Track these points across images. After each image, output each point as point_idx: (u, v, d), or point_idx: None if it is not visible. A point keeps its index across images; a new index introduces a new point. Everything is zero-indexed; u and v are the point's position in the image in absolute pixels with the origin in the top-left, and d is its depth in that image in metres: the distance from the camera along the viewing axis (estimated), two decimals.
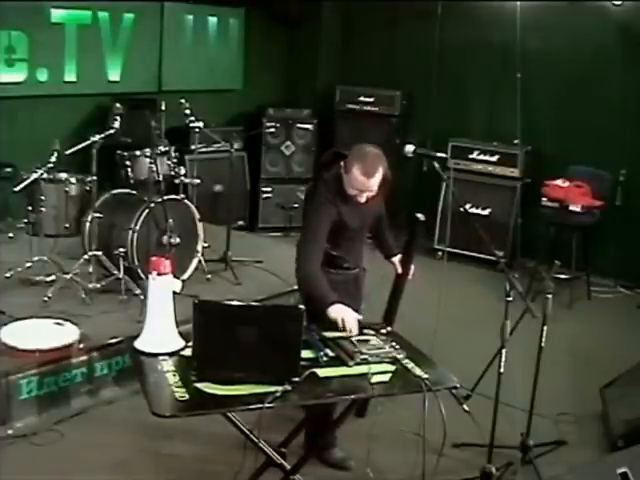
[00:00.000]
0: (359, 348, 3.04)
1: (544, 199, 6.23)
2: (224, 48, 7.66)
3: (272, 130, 7.55)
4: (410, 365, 3.02)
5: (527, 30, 6.75)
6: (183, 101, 5.53)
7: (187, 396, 2.68)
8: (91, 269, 4.76)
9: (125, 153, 5.33)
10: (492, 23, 7.11)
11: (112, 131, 4.81)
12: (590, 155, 6.50)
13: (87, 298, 4.64)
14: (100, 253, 4.82)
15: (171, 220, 4.85)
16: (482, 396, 4.07)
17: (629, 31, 6.50)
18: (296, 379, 2.76)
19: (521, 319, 3.67)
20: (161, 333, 3.02)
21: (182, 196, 5.21)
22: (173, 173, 5.26)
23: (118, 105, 4.93)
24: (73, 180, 5.00)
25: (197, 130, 5.60)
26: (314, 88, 8.26)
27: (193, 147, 5.87)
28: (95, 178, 4.84)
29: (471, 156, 7.11)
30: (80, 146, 4.77)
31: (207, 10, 7.44)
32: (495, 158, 7.02)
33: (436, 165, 3.78)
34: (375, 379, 2.90)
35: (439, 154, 3.85)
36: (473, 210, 6.96)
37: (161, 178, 4.96)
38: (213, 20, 7.52)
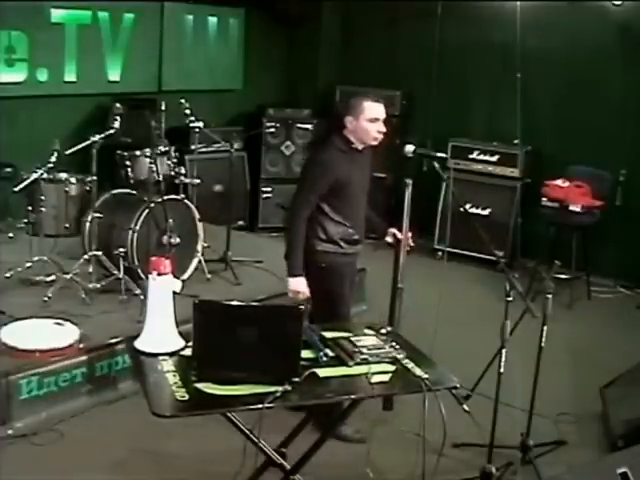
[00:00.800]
0: (359, 348, 3.04)
1: (544, 199, 6.23)
2: (224, 48, 7.66)
3: (272, 130, 7.56)
4: (410, 365, 3.02)
5: (527, 30, 6.75)
6: (183, 101, 5.52)
7: (187, 396, 2.68)
8: (91, 269, 4.76)
9: (125, 153, 5.33)
10: (492, 23, 7.11)
11: (112, 131, 4.81)
12: (590, 155, 6.50)
13: (87, 298, 4.64)
14: (100, 253, 4.82)
15: (171, 220, 4.86)
16: (482, 396, 4.07)
17: (629, 31, 6.50)
18: (296, 379, 2.76)
19: (521, 319, 3.67)
20: (161, 333, 3.02)
21: (182, 196, 5.21)
22: (173, 173, 5.26)
23: (118, 105, 4.93)
24: (73, 180, 5.00)
25: (197, 130, 5.60)
26: (314, 88, 8.26)
27: (193, 147, 5.87)
28: (95, 178, 4.84)
29: (471, 156, 7.11)
30: (80, 146, 4.77)
31: (207, 10, 7.45)
32: (495, 158, 7.03)
33: (436, 165, 3.79)
34: (375, 379, 2.89)
35: (439, 154, 3.86)
36: (473, 210, 6.96)
37: (161, 178, 4.97)
38: (213, 20, 7.52)
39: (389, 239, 4.06)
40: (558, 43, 6.77)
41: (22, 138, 5.97)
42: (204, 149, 6.11)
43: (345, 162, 3.73)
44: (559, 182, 6.24)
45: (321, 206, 3.77)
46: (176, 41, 7.19)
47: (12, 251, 5.11)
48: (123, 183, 5.29)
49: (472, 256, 6.75)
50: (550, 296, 3.64)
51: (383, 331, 3.28)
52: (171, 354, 2.97)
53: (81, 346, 4.12)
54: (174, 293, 3.11)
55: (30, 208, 4.87)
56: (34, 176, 4.65)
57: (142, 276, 4.71)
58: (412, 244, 4.01)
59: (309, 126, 7.74)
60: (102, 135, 4.76)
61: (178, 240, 4.92)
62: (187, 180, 5.44)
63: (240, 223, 7.34)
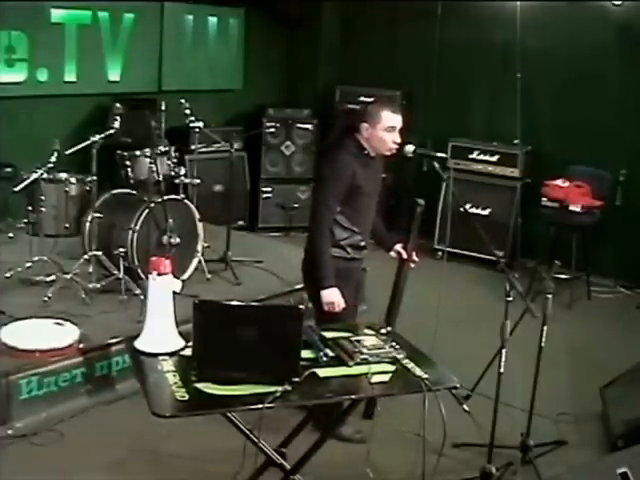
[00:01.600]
0: (359, 348, 3.04)
1: (544, 199, 6.23)
2: (224, 48, 7.67)
3: (272, 130, 7.55)
4: (410, 365, 3.02)
5: (527, 30, 6.74)
6: (183, 101, 5.52)
7: (187, 396, 2.68)
8: (91, 269, 4.76)
9: (125, 153, 5.33)
10: (492, 23, 7.11)
11: (112, 131, 4.81)
12: (590, 155, 6.50)
13: (87, 298, 4.64)
14: (100, 253, 4.82)
15: (171, 220, 4.86)
16: (482, 396, 4.07)
17: (629, 31, 6.50)
18: (296, 379, 2.76)
19: (521, 319, 3.67)
20: (161, 333, 3.02)
21: (182, 196, 5.21)
22: (173, 173, 5.26)
23: (118, 105, 4.94)
24: (73, 180, 5.00)
25: (197, 130, 5.60)
26: (314, 88, 8.26)
27: (193, 147, 5.87)
28: (95, 178, 4.84)
29: (471, 156, 7.11)
30: (80, 146, 4.77)
31: (207, 10, 7.45)
32: (495, 158, 7.03)
33: (436, 165, 3.78)
34: (375, 379, 2.89)
35: (439, 154, 3.85)
36: (473, 210, 6.96)
37: (161, 178, 4.97)
38: (213, 20, 7.52)
39: (393, 254, 4.04)
40: (558, 43, 6.77)
41: (22, 138, 5.97)
42: (204, 149, 6.11)
43: (358, 167, 3.68)
44: (559, 182, 6.24)
45: None
46: (176, 41, 7.19)
47: (12, 251, 5.12)
48: (123, 183, 5.28)
49: (472, 256, 6.75)
50: (550, 296, 3.64)
51: (383, 331, 3.27)
52: (171, 354, 2.97)
53: (81, 346, 4.12)
54: (174, 293, 3.11)
55: (30, 208, 4.87)
56: (34, 176, 4.64)
57: (142, 276, 4.71)
58: (417, 260, 4.00)
59: (309, 126, 7.75)
60: (102, 135, 4.76)
61: (178, 240, 4.92)
62: (187, 180, 5.44)
63: (240, 223, 7.34)
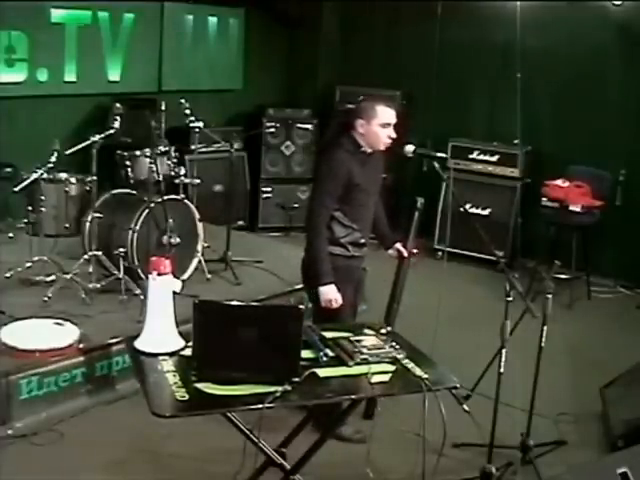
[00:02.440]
0: (359, 348, 3.04)
1: (544, 199, 6.23)
2: (224, 48, 7.67)
3: (272, 130, 7.55)
4: (410, 365, 3.02)
5: (527, 30, 6.75)
6: (183, 101, 5.53)
7: (187, 396, 2.68)
8: (91, 269, 4.76)
9: (125, 153, 5.32)
10: (492, 23, 7.11)
11: (112, 131, 4.82)
12: (590, 155, 6.50)
13: (87, 298, 4.64)
14: (100, 253, 4.82)
15: (171, 220, 4.86)
16: (482, 396, 4.07)
17: (629, 31, 6.50)
18: (296, 379, 2.76)
19: (521, 319, 3.67)
20: (161, 333, 3.02)
21: (182, 196, 5.21)
22: (173, 173, 5.26)
23: (118, 105, 4.94)
24: (73, 180, 5.00)
25: (197, 130, 5.60)
26: (314, 88, 8.26)
27: (193, 147, 5.87)
28: (95, 178, 4.84)
29: (471, 156, 7.11)
30: (80, 146, 4.77)
31: (207, 10, 7.45)
32: (495, 158, 7.03)
33: (436, 165, 3.79)
34: (375, 379, 2.89)
35: (439, 154, 3.86)
36: (473, 210, 6.96)
37: (161, 178, 4.97)
38: (213, 20, 7.52)
39: (392, 252, 4.06)
40: (558, 43, 6.77)
41: (22, 138, 5.97)
42: (204, 149, 6.11)
43: (355, 164, 3.70)
44: (559, 182, 6.24)
45: None
46: (176, 41, 7.19)
47: (12, 251, 5.11)
48: (123, 183, 5.28)
49: (472, 256, 6.75)
50: (550, 296, 3.64)
51: (383, 331, 3.27)
52: (171, 354, 2.97)
53: (81, 346, 4.12)
54: (174, 293, 3.11)
55: (30, 208, 4.87)
56: (34, 176, 4.65)
57: (142, 276, 4.71)
58: (416, 251, 4.01)
59: (309, 126, 7.75)
60: (102, 135, 4.76)
61: (178, 240, 4.92)
62: (187, 180, 5.44)
63: (240, 223, 7.34)
